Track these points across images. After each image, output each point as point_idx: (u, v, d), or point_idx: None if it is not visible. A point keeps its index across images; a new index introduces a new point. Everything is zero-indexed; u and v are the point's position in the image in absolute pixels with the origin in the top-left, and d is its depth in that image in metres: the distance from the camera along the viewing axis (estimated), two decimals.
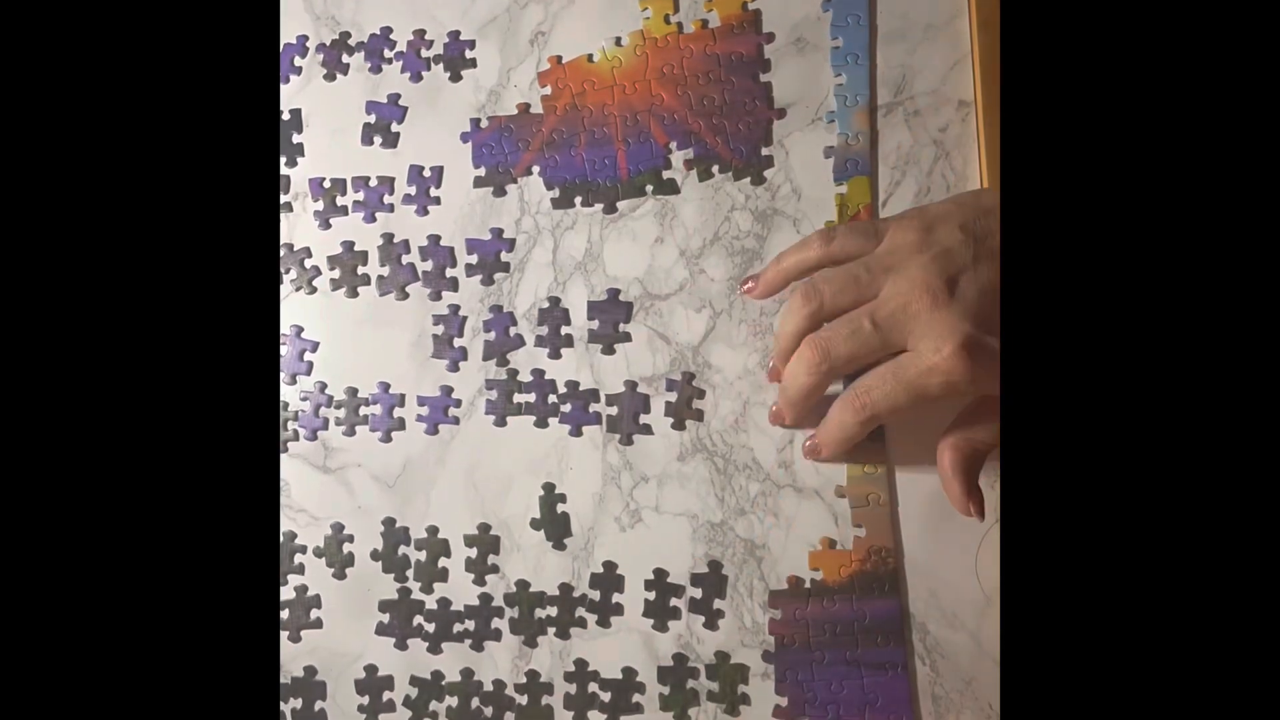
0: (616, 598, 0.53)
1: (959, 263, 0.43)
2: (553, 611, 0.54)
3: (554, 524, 0.54)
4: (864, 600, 0.51)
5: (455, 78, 0.59)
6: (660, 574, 0.53)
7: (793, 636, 0.51)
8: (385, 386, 0.57)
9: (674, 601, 0.53)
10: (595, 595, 0.53)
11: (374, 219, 0.59)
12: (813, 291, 0.46)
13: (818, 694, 0.50)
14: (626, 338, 0.55)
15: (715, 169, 0.56)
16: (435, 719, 0.53)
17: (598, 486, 0.54)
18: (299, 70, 0.61)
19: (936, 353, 0.42)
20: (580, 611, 0.53)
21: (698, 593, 0.52)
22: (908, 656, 0.50)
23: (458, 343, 0.57)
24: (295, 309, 0.58)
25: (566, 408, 0.55)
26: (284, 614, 0.55)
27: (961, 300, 0.43)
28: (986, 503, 0.50)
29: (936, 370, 0.42)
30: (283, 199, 0.60)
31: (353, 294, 0.58)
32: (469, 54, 0.59)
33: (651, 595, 0.53)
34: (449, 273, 0.58)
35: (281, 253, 0.59)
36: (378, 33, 0.60)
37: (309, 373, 0.58)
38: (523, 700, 0.53)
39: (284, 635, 0.55)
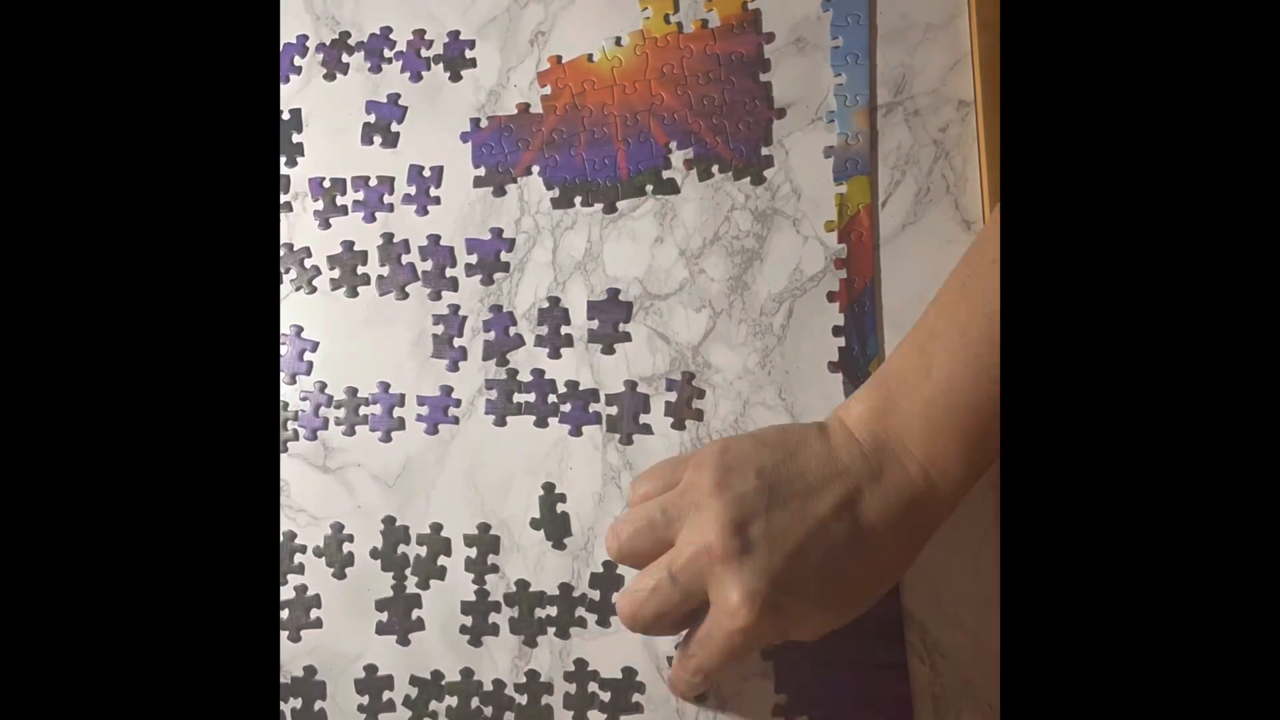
0: (616, 597, 0.53)
1: (749, 510, 0.40)
2: (553, 611, 0.54)
3: (554, 524, 0.54)
4: None
5: (455, 77, 0.59)
6: None
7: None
8: (385, 386, 0.57)
9: None
10: (595, 595, 0.53)
11: (374, 219, 0.59)
12: (612, 533, 0.44)
13: (817, 693, 0.50)
14: (626, 338, 0.55)
15: (715, 169, 0.56)
16: (435, 718, 0.53)
17: (598, 486, 0.54)
18: (299, 70, 0.61)
19: (728, 612, 0.40)
20: (580, 611, 0.53)
21: None
22: (907, 656, 0.50)
23: (458, 342, 0.57)
24: (295, 309, 0.58)
25: (566, 407, 0.55)
26: (284, 614, 0.55)
27: (752, 552, 0.40)
28: (987, 502, 0.50)
29: (735, 631, 0.40)
30: (283, 199, 0.60)
31: (353, 294, 0.58)
32: (469, 54, 0.59)
33: None
34: (449, 272, 0.58)
35: (281, 252, 0.59)
36: (377, 32, 0.60)
37: (309, 373, 0.58)
38: (523, 700, 0.53)
39: (284, 635, 0.55)
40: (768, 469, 0.41)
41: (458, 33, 0.60)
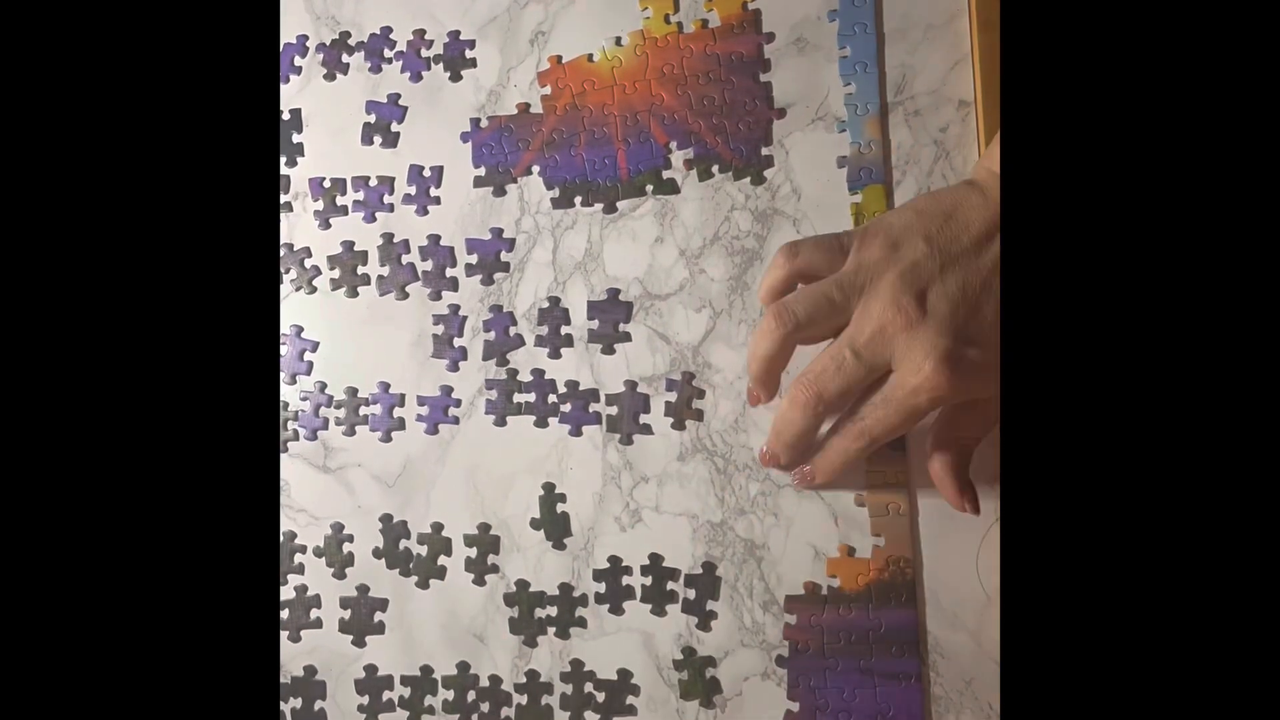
0: (624, 583, 0.53)
1: (926, 276, 0.43)
2: (553, 611, 0.54)
3: (554, 524, 0.54)
4: (880, 609, 0.51)
5: (455, 77, 0.59)
6: (656, 558, 0.53)
7: (807, 642, 0.51)
8: (385, 386, 0.57)
9: (670, 585, 0.53)
10: (600, 587, 0.53)
11: (374, 219, 0.59)
12: (786, 313, 0.45)
13: (830, 701, 0.50)
14: (626, 338, 0.55)
15: (715, 169, 0.56)
16: (432, 713, 0.54)
17: (598, 486, 0.54)
18: (299, 70, 0.61)
19: (918, 372, 0.42)
20: (581, 612, 0.53)
21: (691, 593, 0.52)
22: (922, 668, 0.50)
23: (458, 342, 0.57)
24: (295, 309, 0.58)
25: (566, 408, 0.55)
26: (284, 614, 0.55)
27: (934, 315, 0.42)
28: (987, 502, 0.50)
29: (921, 389, 0.42)
30: (283, 199, 0.60)
31: (353, 294, 0.58)
32: (469, 54, 0.59)
33: (648, 580, 0.53)
34: (449, 273, 0.58)
35: (281, 252, 0.59)
36: (378, 32, 0.60)
37: (309, 373, 0.58)
38: (522, 700, 0.53)
39: (284, 635, 0.55)
40: (934, 233, 0.43)
41: (458, 32, 0.60)
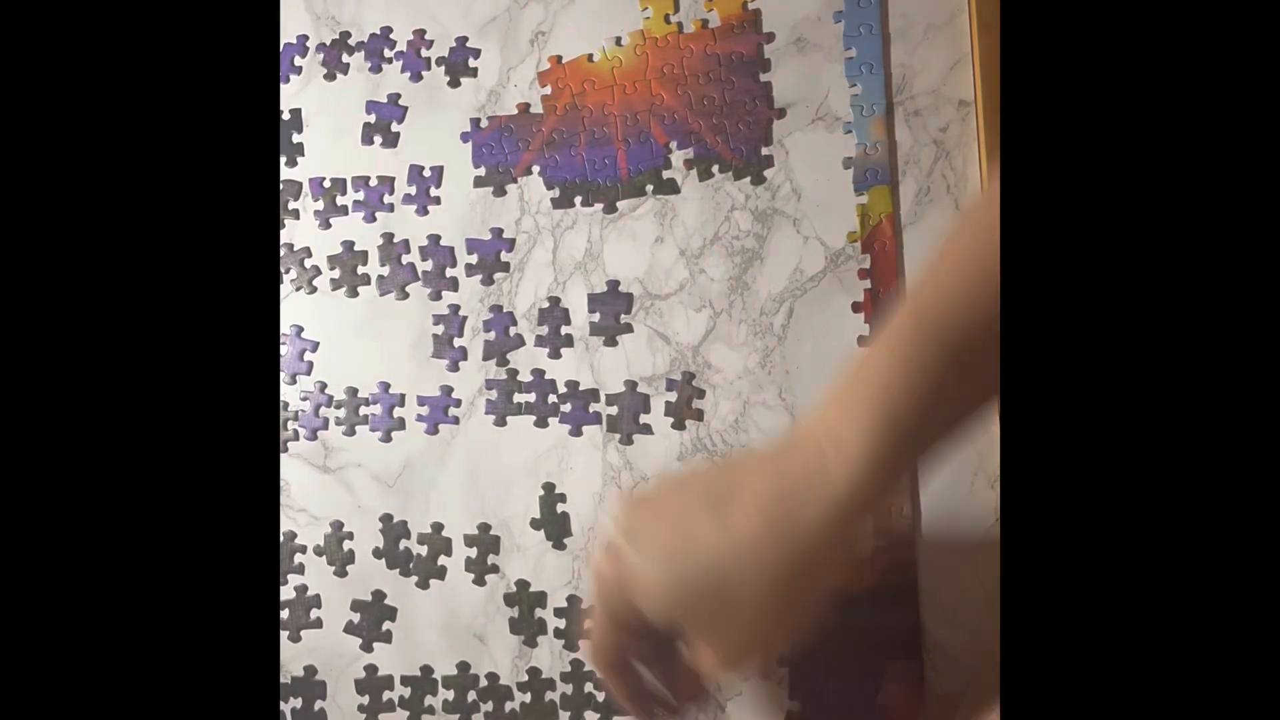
0: None
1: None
2: (561, 624, 0.54)
3: (554, 524, 0.55)
4: (882, 610, 0.51)
5: (454, 84, 0.59)
6: None
7: (809, 642, 0.51)
8: (385, 386, 0.57)
9: None
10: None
11: (374, 219, 0.59)
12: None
13: (832, 701, 0.50)
14: (628, 329, 0.55)
15: (715, 169, 0.56)
16: (432, 713, 0.54)
17: (598, 486, 0.54)
18: (299, 70, 0.61)
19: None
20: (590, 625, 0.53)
21: None
22: (923, 669, 0.50)
23: (458, 343, 0.57)
24: (295, 309, 0.58)
25: (566, 407, 0.55)
26: (284, 614, 0.55)
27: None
28: (986, 503, 0.50)
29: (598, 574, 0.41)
30: (283, 199, 0.59)
31: (353, 294, 0.58)
32: (472, 63, 0.59)
33: None
34: (449, 273, 0.58)
35: (281, 253, 0.59)
36: (378, 32, 0.60)
37: (309, 373, 0.58)
38: (524, 699, 0.53)
39: (284, 635, 0.55)
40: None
41: (465, 39, 0.59)
